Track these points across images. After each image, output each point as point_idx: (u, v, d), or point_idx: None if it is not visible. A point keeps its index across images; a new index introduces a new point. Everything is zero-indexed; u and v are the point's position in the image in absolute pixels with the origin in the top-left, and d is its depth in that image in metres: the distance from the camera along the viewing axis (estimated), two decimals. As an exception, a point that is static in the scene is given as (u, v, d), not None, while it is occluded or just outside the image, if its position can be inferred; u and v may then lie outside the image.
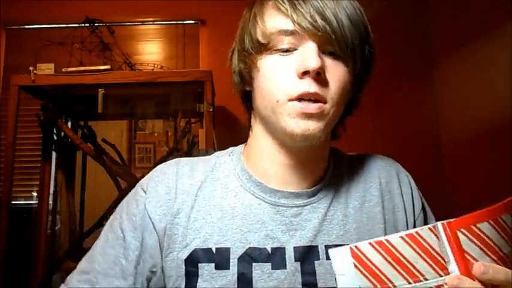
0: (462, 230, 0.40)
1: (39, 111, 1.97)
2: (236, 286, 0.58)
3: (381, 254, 0.40)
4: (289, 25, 0.59)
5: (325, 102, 0.59)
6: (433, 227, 0.41)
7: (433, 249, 0.40)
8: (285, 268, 0.59)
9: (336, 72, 0.59)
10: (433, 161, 2.33)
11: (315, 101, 0.58)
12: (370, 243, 0.41)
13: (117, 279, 0.61)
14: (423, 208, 0.71)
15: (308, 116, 0.58)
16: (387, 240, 0.40)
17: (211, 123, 1.88)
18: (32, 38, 2.40)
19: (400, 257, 0.40)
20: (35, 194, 2.34)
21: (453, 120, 2.22)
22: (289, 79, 0.59)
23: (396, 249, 0.40)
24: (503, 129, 1.75)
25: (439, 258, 0.40)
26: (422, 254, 0.40)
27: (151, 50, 2.44)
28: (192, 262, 0.60)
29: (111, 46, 2.31)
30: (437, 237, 0.41)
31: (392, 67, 2.33)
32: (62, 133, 2.03)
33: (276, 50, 0.60)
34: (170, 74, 2.02)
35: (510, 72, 1.71)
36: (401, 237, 0.40)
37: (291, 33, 0.59)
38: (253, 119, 0.70)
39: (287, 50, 0.60)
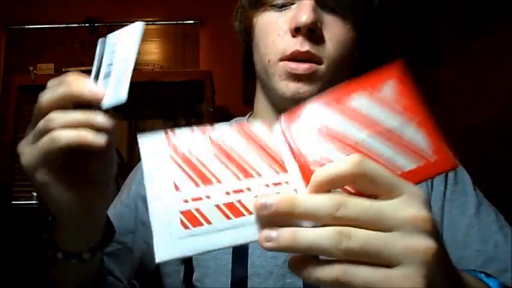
0: (296, 123, 0.34)
1: (39, 111, 1.97)
2: (231, 258, 0.55)
3: (204, 145, 0.33)
4: None
5: (320, 62, 0.54)
6: (265, 122, 0.35)
7: (268, 147, 0.34)
8: None
9: (335, 29, 0.55)
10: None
11: (308, 60, 0.54)
12: (192, 130, 0.34)
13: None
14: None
15: (298, 77, 0.54)
16: (212, 128, 0.34)
17: (211, 123, 1.88)
18: (32, 38, 2.40)
19: (228, 150, 0.33)
20: (35, 194, 2.34)
21: (453, 116, 2.22)
22: (281, 37, 0.55)
23: (224, 142, 0.33)
24: (504, 127, 1.75)
25: (275, 155, 0.33)
26: (255, 149, 0.33)
27: (151, 50, 2.44)
28: None
29: (111, 46, 2.31)
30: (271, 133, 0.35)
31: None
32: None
33: (271, 6, 0.57)
34: (170, 74, 2.03)
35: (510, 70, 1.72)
36: (230, 128, 0.34)
37: None
38: (257, 83, 0.65)
39: (282, 6, 0.56)
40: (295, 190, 0.32)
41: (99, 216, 0.46)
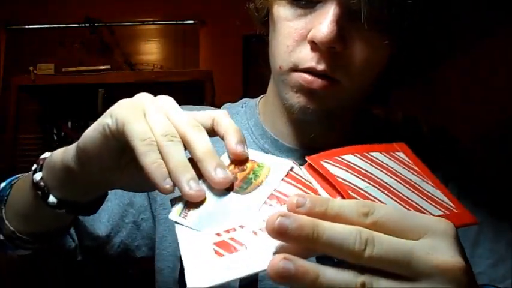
0: (325, 160, 0.34)
1: (39, 111, 1.98)
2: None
3: None
4: None
5: (338, 82, 0.47)
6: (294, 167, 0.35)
7: (298, 177, 0.33)
8: None
9: (363, 45, 0.46)
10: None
11: (325, 76, 0.46)
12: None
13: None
14: None
15: (311, 92, 0.47)
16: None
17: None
18: (32, 38, 2.40)
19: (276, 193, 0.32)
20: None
21: (453, 117, 2.22)
22: (297, 44, 0.47)
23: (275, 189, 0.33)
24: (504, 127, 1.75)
25: (308, 184, 0.33)
26: (285, 181, 0.33)
27: (151, 50, 2.44)
28: None
29: (111, 46, 2.31)
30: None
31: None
32: (62, 133, 2.03)
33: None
34: (170, 74, 2.03)
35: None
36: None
37: None
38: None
39: (306, 1, 0.46)
40: None
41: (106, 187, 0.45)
